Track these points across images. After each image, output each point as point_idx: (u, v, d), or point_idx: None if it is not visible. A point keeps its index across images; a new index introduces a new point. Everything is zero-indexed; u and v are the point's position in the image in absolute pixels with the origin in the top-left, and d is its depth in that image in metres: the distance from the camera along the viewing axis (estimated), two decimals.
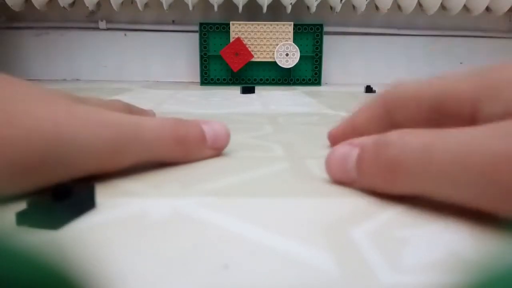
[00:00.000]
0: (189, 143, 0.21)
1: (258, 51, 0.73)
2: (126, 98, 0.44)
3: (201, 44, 0.73)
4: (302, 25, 0.74)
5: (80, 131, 0.16)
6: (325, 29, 0.76)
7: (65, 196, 0.14)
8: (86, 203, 0.15)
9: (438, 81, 0.18)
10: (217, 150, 0.23)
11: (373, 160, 0.16)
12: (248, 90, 0.59)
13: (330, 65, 0.83)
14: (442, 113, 0.17)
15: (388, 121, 0.20)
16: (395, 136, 0.15)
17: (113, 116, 0.18)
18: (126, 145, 0.18)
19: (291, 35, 0.73)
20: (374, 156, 0.16)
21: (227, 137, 0.23)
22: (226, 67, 0.74)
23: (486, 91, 0.15)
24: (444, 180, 0.13)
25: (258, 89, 0.65)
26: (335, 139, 0.24)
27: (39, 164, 0.15)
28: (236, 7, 0.76)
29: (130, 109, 0.26)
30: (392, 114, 0.20)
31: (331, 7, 0.78)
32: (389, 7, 0.75)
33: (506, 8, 0.73)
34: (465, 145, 0.13)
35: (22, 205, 0.14)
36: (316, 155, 0.23)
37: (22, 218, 0.13)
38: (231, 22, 0.72)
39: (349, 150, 0.17)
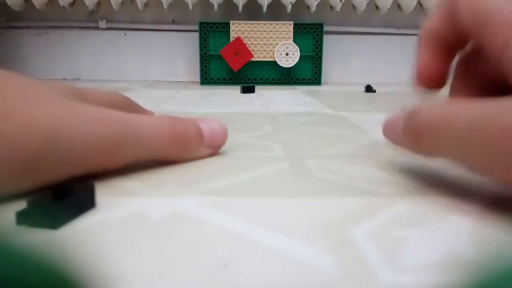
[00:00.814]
0: (187, 141, 0.21)
1: (258, 50, 0.73)
2: None
3: (201, 43, 0.73)
4: (302, 24, 0.74)
5: (77, 128, 0.16)
6: (325, 28, 0.76)
7: (65, 195, 0.14)
8: (86, 203, 0.15)
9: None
10: (215, 149, 0.23)
11: (405, 127, 0.18)
12: (248, 89, 0.59)
13: (330, 64, 0.83)
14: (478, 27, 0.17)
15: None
16: (420, 107, 0.17)
17: (111, 114, 0.18)
18: (124, 143, 0.18)
19: (291, 34, 0.73)
20: (405, 124, 0.17)
21: (224, 135, 0.23)
22: (226, 66, 0.74)
23: None
24: (459, 146, 0.15)
25: (258, 88, 0.65)
26: (432, 75, 0.20)
27: (36, 161, 0.15)
28: (236, 6, 0.76)
29: (129, 103, 0.26)
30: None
31: (331, 7, 0.78)
32: (389, 7, 0.75)
33: None
34: (480, 115, 0.14)
35: (22, 205, 0.14)
36: (316, 155, 0.23)
37: (22, 218, 0.13)
38: (231, 22, 0.72)
39: (399, 117, 0.19)
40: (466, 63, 0.20)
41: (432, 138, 0.16)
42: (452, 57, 0.20)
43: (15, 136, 0.15)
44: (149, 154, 0.20)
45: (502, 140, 0.13)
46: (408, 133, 0.17)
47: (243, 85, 0.62)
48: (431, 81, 0.20)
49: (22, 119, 0.15)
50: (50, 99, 0.17)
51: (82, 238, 0.13)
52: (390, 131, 0.19)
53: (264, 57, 0.73)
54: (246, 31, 0.72)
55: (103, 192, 0.17)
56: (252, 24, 0.72)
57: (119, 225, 0.14)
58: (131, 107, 0.26)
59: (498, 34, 0.16)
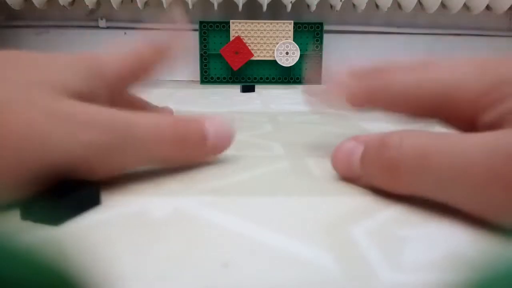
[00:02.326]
0: (189, 143, 0.19)
1: (258, 49, 0.73)
2: None
3: (201, 42, 0.73)
4: (302, 23, 0.73)
5: (60, 135, 0.15)
6: (325, 27, 0.76)
7: (70, 192, 0.14)
8: (90, 200, 0.15)
9: (438, 76, 0.17)
10: (219, 151, 0.21)
11: (375, 159, 0.16)
12: (248, 88, 0.59)
13: (330, 63, 0.83)
14: (440, 112, 0.17)
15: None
16: (396, 137, 0.15)
17: (102, 115, 0.16)
18: (118, 149, 0.16)
19: (291, 33, 0.73)
20: (376, 156, 0.16)
21: (230, 137, 0.21)
22: (226, 65, 0.74)
23: (488, 98, 0.15)
24: (439, 184, 0.14)
25: (258, 87, 0.64)
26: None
27: (19, 172, 0.14)
28: (236, 5, 0.76)
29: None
30: (376, 103, 0.20)
31: (331, 6, 0.78)
32: (389, 6, 0.75)
33: (506, 7, 0.73)
34: (462, 154, 0.13)
35: (27, 201, 0.14)
36: (316, 154, 0.23)
37: (27, 213, 0.14)
38: (231, 21, 0.72)
39: (354, 146, 0.17)
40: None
41: (408, 176, 0.14)
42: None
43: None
44: (147, 158, 0.18)
45: (493, 186, 0.12)
46: (381, 166, 0.15)
47: (243, 84, 0.62)
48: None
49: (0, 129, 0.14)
50: (30, 100, 0.15)
51: (83, 236, 0.13)
52: (344, 163, 0.17)
53: (264, 56, 0.73)
54: (246, 30, 0.72)
55: (105, 190, 0.17)
56: (252, 23, 0.72)
57: (120, 223, 0.14)
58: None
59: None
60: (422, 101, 0.17)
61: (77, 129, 0.15)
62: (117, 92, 0.21)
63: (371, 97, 0.20)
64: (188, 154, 0.20)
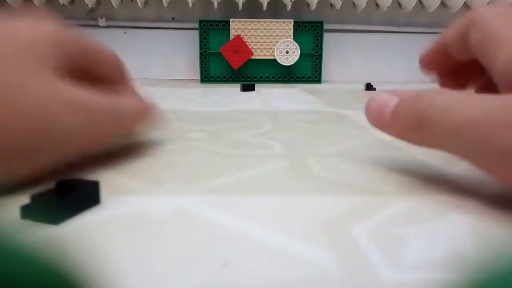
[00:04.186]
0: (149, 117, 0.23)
1: (258, 48, 0.73)
2: None
3: (201, 41, 0.73)
4: (302, 22, 0.73)
5: (66, 117, 0.17)
6: (325, 26, 0.76)
7: (70, 191, 0.14)
8: (90, 199, 0.15)
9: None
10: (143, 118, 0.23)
11: (408, 109, 0.17)
12: (248, 87, 0.59)
13: (330, 62, 0.83)
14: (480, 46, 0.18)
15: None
16: (432, 93, 0.16)
17: (95, 102, 0.19)
18: (105, 124, 0.19)
19: (291, 32, 0.72)
20: (409, 106, 0.17)
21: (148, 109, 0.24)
22: (226, 64, 0.74)
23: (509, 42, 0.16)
24: (454, 138, 0.15)
25: (258, 86, 0.64)
26: (428, 63, 0.23)
27: (28, 147, 0.16)
28: (236, 4, 0.76)
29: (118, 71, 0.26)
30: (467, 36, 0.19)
31: (331, 5, 0.78)
32: (389, 5, 0.75)
33: (506, 6, 0.73)
34: (477, 109, 0.14)
35: (27, 199, 0.14)
36: (316, 153, 0.23)
37: (26, 212, 0.14)
38: (231, 20, 0.72)
39: (390, 97, 0.18)
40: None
41: (431, 127, 0.16)
42: (451, 70, 0.22)
43: (4, 127, 0.15)
44: (127, 129, 0.22)
45: (495, 135, 0.13)
46: (408, 119, 0.17)
47: (243, 83, 0.62)
48: (428, 64, 0.22)
49: (11, 112, 0.15)
50: (39, 85, 0.17)
51: (83, 236, 0.13)
52: (377, 114, 0.19)
53: (264, 55, 0.73)
54: (246, 29, 0.72)
55: (105, 189, 0.17)
56: (252, 22, 0.72)
57: (120, 223, 0.14)
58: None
59: (491, 53, 0.17)
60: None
61: (80, 113, 0.17)
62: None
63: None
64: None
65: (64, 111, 0.17)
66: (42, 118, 0.16)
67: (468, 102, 0.15)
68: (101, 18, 0.81)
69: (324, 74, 0.79)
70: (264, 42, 0.73)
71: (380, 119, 0.18)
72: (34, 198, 0.14)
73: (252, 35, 0.72)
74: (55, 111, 0.17)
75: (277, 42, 0.72)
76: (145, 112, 0.23)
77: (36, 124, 0.16)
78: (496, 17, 0.18)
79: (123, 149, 0.23)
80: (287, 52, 0.73)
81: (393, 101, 0.18)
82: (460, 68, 0.22)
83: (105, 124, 0.19)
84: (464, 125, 0.14)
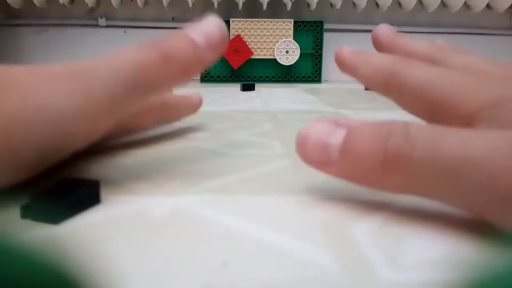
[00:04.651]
0: (179, 56, 0.18)
1: (258, 48, 0.73)
2: None
3: None
4: (302, 22, 0.73)
5: (47, 90, 0.14)
6: (325, 26, 0.76)
7: (70, 191, 0.14)
8: (90, 199, 0.15)
9: (442, 83, 0.17)
10: (215, 50, 0.19)
11: (370, 145, 0.13)
12: (248, 87, 0.59)
13: (330, 62, 0.83)
14: (438, 114, 0.17)
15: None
16: (400, 125, 0.13)
17: (82, 65, 0.16)
18: (106, 92, 0.16)
19: (291, 32, 0.72)
20: (372, 141, 0.13)
21: (221, 30, 0.19)
22: (226, 64, 0.74)
23: (484, 113, 0.15)
24: (450, 179, 0.12)
25: (258, 86, 0.64)
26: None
27: (10, 140, 0.13)
28: (236, 4, 0.76)
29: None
30: (389, 91, 0.19)
31: (331, 4, 0.78)
32: (389, 4, 0.75)
33: (506, 6, 0.73)
34: (480, 145, 0.12)
35: (27, 199, 0.14)
36: None
37: (27, 212, 0.14)
38: (231, 19, 0.72)
39: (332, 129, 0.15)
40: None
41: (414, 168, 0.13)
42: None
43: None
44: (142, 92, 0.17)
45: (502, 177, 0.11)
46: (373, 158, 0.13)
47: (243, 82, 0.61)
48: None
49: None
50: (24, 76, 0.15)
51: (83, 236, 0.13)
52: (317, 150, 0.15)
53: (264, 54, 0.73)
54: (246, 28, 0.72)
55: (105, 189, 0.17)
56: (252, 21, 0.72)
57: (120, 222, 0.14)
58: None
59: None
60: (429, 102, 0.17)
61: (62, 85, 0.15)
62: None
63: (386, 81, 0.18)
64: (184, 69, 0.18)
65: (43, 84, 0.14)
66: (21, 99, 0.14)
67: (463, 139, 0.12)
68: (101, 17, 0.81)
69: (324, 74, 0.79)
70: (264, 41, 0.73)
71: (322, 156, 0.15)
72: (34, 197, 0.14)
73: (252, 35, 0.72)
74: (34, 85, 0.14)
75: (277, 41, 0.72)
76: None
77: (15, 108, 0.13)
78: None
79: (123, 149, 0.23)
80: (287, 51, 0.73)
81: (338, 134, 0.14)
82: None
83: (105, 88, 0.16)
84: (462, 166, 0.12)
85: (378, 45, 0.22)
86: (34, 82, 0.14)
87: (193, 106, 0.30)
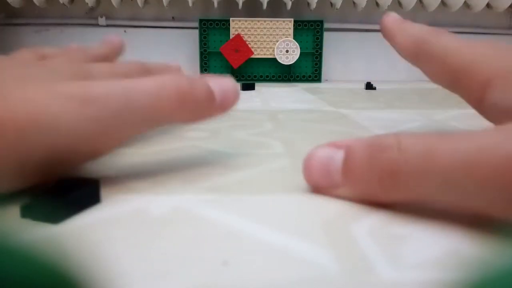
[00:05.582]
0: (195, 103, 0.18)
1: (258, 47, 0.73)
2: None
3: (201, 40, 0.73)
4: (302, 21, 0.73)
5: (57, 112, 0.14)
6: (326, 25, 0.75)
7: (70, 190, 0.14)
8: (90, 198, 0.15)
9: (465, 51, 0.19)
10: (225, 109, 0.20)
11: (366, 163, 0.14)
12: (248, 86, 0.59)
13: (330, 61, 0.83)
14: (458, 81, 0.19)
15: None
16: (392, 139, 0.14)
17: (96, 88, 0.16)
18: (116, 120, 0.16)
19: (291, 31, 0.72)
20: (368, 159, 0.14)
21: (236, 94, 0.20)
22: (226, 63, 0.74)
23: (499, 80, 0.17)
24: (448, 186, 0.12)
25: (258, 85, 0.64)
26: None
27: (15, 154, 0.14)
28: (236, 3, 0.76)
29: (147, 70, 0.24)
30: (418, 59, 0.22)
31: (331, 4, 0.78)
32: (389, 4, 0.75)
33: (506, 5, 0.73)
34: (471, 149, 0.12)
35: (27, 198, 0.14)
36: None
37: (26, 211, 0.14)
38: (231, 19, 0.72)
39: (333, 152, 0.15)
40: None
41: (411, 180, 0.13)
42: None
43: None
44: (153, 123, 0.18)
45: (504, 173, 0.11)
46: (376, 170, 0.14)
47: (243, 82, 0.61)
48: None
49: None
50: (32, 81, 0.15)
51: (83, 235, 0.13)
52: (322, 174, 0.15)
53: (264, 54, 0.73)
54: (246, 28, 0.72)
55: (105, 188, 0.17)
56: (252, 21, 0.72)
57: (120, 221, 0.14)
58: (150, 70, 0.25)
59: (470, 89, 0.19)
60: (451, 70, 0.19)
61: (75, 104, 0.15)
62: None
63: (416, 49, 0.22)
64: (195, 114, 0.19)
65: (56, 106, 0.14)
66: (29, 115, 0.14)
67: (454, 145, 0.12)
68: (101, 17, 0.81)
69: (324, 73, 0.79)
70: (264, 41, 0.73)
71: (328, 179, 0.15)
72: (34, 197, 0.14)
73: (252, 34, 0.72)
74: (45, 107, 0.14)
75: (277, 41, 0.72)
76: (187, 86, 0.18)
77: (23, 123, 0.13)
78: (462, 47, 0.20)
79: (123, 148, 0.23)
80: (287, 51, 0.73)
81: (338, 155, 0.15)
82: None
83: (116, 115, 0.16)
84: (457, 172, 0.12)
85: (387, 34, 0.24)
86: (46, 100, 0.15)
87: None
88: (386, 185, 0.14)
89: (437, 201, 0.13)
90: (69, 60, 0.22)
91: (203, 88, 0.18)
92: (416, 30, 0.22)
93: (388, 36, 0.24)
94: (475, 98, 0.18)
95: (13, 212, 0.14)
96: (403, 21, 0.23)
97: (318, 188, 0.16)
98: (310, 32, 0.74)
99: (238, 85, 0.20)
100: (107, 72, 0.21)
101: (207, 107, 0.19)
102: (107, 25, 0.82)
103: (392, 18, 0.24)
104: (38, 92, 0.15)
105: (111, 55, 0.29)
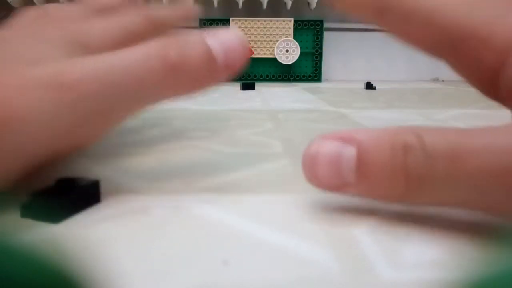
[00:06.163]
0: (190, 70, 0.15)
1: (258, 47, 0.73)
2: None
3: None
4: (302, 21, 0.73)
5: (26, 102, 0.13)
6: (326, 25, 0.75)
7: (70, 190, 0.14)
8: (90, 198, 0.15)
9: (462, 6, 0.14)
10: (232, 69, 0.16)
11: (388, 165, 0.12)
12: (248, 86, 0.59)
13: (330, 61, 0.83)
14: (446, 49, 0.15)
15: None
16: (413, 137, 0.12)
17: (73, 71, 0.14)
18: (98, 105, 0.14)
19: (291, 31, 0.72)
20: (390, 160, 0.12)
21: (242, 48, 0.16)
22: None
23: None
24: (477, 192, 0.11)
25: (258, 85, 0.64)
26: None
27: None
28: (236, 3, 0.76)
29: (154, 23, 0.21)
30: (383, 18, 0.16)
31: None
32: None
33: None
34: (502, 149, 0.11)
35: (27, 198, 0.14)
36: None
37: (26, 211, 0.14)
38: (231, 18, 0.72)
39: (341, 147, 0.13)
40: None
41: (438, 184, 0.12)
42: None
43: None
44: (140, 104, 0.16)
45: None
46: (397, 176, 0.12)
47: (243, 81, 0.61)
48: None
49: None
50: (5, 63, 0.14)
51: (83, 234, 0.13)
52: (331, 172, 0.13)
53: (264, 54, 0.73)
54: (246, 27, 0.72)
55: (105, 188, 0.17)
56: (252, 20, 0.72)
57: (120, 221, 0.14)
58: (155, 23, 0.21)
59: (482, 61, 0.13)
60: (444, 32, 0.14)
61: (48, 96, 0.13)
62: None
63: (380, 5, 0.16)
64: (192, 84, 0.16)
65: (24, 94, 0.13)
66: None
67: (484, 145, 0.11)
68: None
69: (324, 73, 0.79)
70: (264, 40, 0.73)
71: (338, 179, 0.13)
72: (34, 196, 0.14)
73: (252, 34, 0.72)
74: (14, 96, 0.13)
75: (277, 40, 0.72)
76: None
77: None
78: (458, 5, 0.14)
79: (123, 148, 0.23)
80: (287, 50, 0.73)
81: (348, 152, 0.13)
82: None
83: (96, 98, 0.14)
84: (489, 178, 0.11)
85: None
86: (17, 87, 0.13)
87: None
88: (411, 190, 0.12)
89: (466, 207, 0.12)
90: (68, 20, 0.19)
91: (198, 51, 0.15)
92: None
93: None
94: (485, 70, 0.14)
95: (13, 212, 0.14)
96: None
97: (322, 186, 0.14)
98: (310, 32, 0.74)
99: (244, 37, 0.17)
100: (104, 30, 0.18)
101: (208, 72, 0.16)
102: None
103: None
104: (7, 82, 0.13)
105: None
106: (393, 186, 0.12)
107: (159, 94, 0.16)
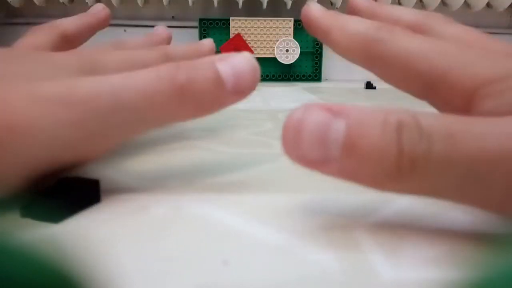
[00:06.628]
0: (198, 94, 0.15)
1: (258, 47, 0.73)
2: None
3: (201, 40, 0.73)
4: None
5: (33, 117, 0.13)
6: None
7: (70, 190, 0.14)
8: (90, 198, 0.15)
9: (435, 53, 0.15)
10: (242, 95, 0.16)
11: (380, 142, 0.11)
12: None
13: (330, 61, 0.83)
14: (430, 90, 0.15)
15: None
16: (408, 116, 0.11)
17: (81, 88, 0.14)
18: (104, 124, 0.14)
19: (291, 31, 0.72)
20: (381, 136, 0.11)
21: (253, 74, 0.16)
22: None
23: (490, 86, 0.13)
24: (471, 179, 0.11)
25: (258, 85, 0.64)
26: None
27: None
28: (236, 2, 0.76)
29: (169, 57, 0.21)
30: (371, 63, 0.17)
31: (331, 3, 0.78)
32: (389, 2, 0.75)
33: (506, 4, 0.73)
34: (498, 136, 0.11)
35: (27, 198, 0.14)
36: None
37: (26, 211, 0.14)
38: (231, 18, 0.72)
39: (329, 118, 0.12)
40: None
41: (432, 169, 0.11)
42: None
43: None
44: (146, 126, 0.16)
45: None
46: (390, 156, 0.11)
47: None
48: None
49: None
50: (16, 80, 0.14)
51: (83, 234, 0.13)
52: (313, 144, 0.12)
53: (264, 53, 0.73)
54: (246, 27, 0.72)
55: (105, 187, 0.17)
56: (252, 20, 0.72)
57: (120, 221, 0.14)
58: (172, 57, 0.22)
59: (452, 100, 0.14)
60: (419, 75, 0.15)
61: (53, 108, 0.13)
62: None
63: (365, 51, 0.16)
64: (200, 108, 0.16)
65: (32, 109, 0.13)
66: (4, 121, 0.13)
67: (482, 129, 0.11)
68: None
69: (324, 73, 0.79)
70: (264, 40, 0.73)
71: (321, 151, 0.12)
72: (34, 196, 0.14)
73: (252, 34, 0.72)
74: (21, 110, 0.13)
75: (277, 40, 0.72)
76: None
77: None
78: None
79: (123, 148, 0.23)
80: (287, 50, 0.73)
81: (337, 124, 0.12)
82: None
83: (103, 115, 0.14)
84: (486, 162, 0.11)
85: (317, 28, 0.19)
86: (25, 99, 0.13)
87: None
88: (403, 172, 0.11)
89: (455, 197, 0.12)
90: (86, 51, 0.20)
91: (207, 76, 0.15)
92: (361, 27, 0.16)
93: (318, 30, 0.18)
94: (456, 108, 0.14)
95: (13, 212, 0.14)
96: (337, 14, 0.18)
97: (303, 160, 0.12)
98: None
99: (256, 62, 0.16)
100: (120, 60, 0.19)
101: (216, 97, 0.16)
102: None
103: (318, 10, 0.18)
104: (17, 93, 0.13)
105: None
106: (382, 166, 0.11)
107: (166, 116, 0.16)
